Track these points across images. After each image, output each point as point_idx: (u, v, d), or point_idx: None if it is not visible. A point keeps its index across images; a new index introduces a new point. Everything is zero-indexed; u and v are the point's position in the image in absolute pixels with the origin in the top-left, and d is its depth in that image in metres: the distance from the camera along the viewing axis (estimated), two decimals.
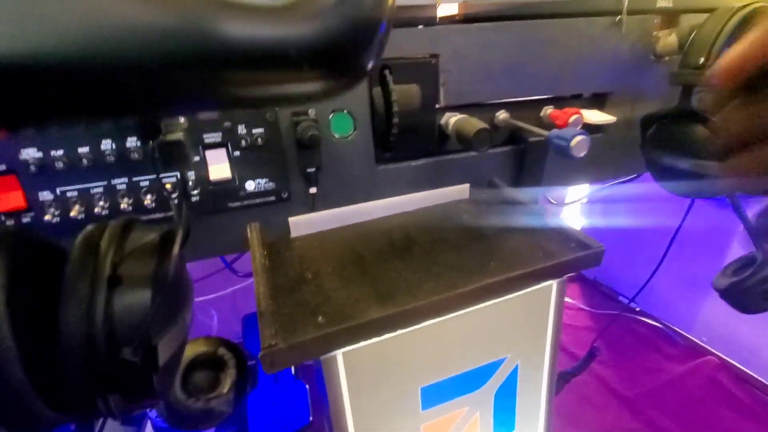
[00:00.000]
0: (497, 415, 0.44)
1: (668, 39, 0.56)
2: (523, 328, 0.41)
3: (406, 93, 0.48)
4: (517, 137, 0.57)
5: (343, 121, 0.48)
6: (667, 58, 0.60)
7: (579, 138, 0.42)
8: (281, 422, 0.72)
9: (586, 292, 1.34)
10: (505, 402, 0.44)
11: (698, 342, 1.02)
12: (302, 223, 0.49)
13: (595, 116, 0.57)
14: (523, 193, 0.52)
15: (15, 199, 0.39)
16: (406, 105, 0.49)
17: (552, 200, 1.12)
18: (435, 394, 0.39)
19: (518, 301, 0.39)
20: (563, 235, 0.43)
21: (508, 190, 0.53)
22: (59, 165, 0.39)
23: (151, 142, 0.23)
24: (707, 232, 0.72)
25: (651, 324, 1.13)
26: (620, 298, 1.27)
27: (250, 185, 0.46)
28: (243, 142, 0.44)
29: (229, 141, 0.44)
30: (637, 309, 1.20)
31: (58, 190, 0.40)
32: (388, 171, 0.52)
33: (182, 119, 0.25)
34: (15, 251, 0.21)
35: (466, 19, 0.49)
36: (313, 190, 0.48)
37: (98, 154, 0.40)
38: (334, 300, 0.36)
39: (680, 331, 1.06)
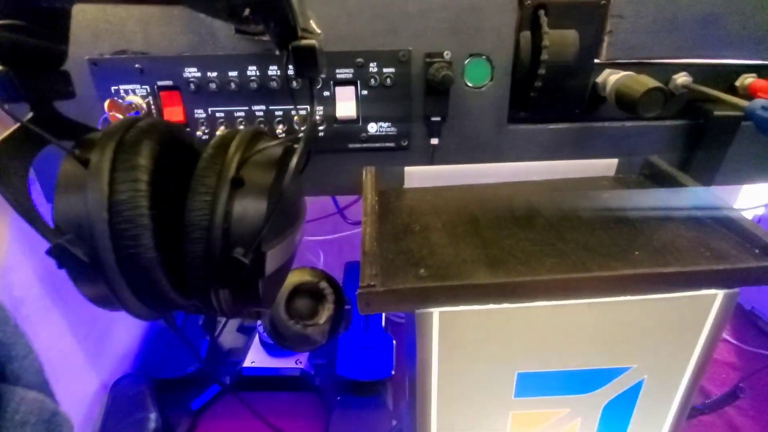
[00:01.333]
0: (602, 429, 0.38)
1: None
2: (662, 339, 0.33)
3: (560, 40, 0.41)
4: (697, 110, 0.45)
5: (479, 68, 0.43)
6: None
7: None
8: (365, 368, 0.74)
9: (737, 323, 1.09)
10: (617, 417, 0.37)
11: None
12: (418, 175, 0.46)
13: None
14: (688, 179, 0.41)
15: (177, 113, 0.44)
16: (558, 55, 0.42)
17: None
18: (533, 385, 0.35)
19: (665, 306, 0.31)
20: (742, 234, 0.33)
21: (669, 171, 0.43)
22: (212, 86, 0.43)
23: (288, 46, 0.22)
24: None
25: None
26: None
27: (372, 127, 0.45)
28: (372, 81, 0.43)
29: (359, 79, 0.43)
30: None
31: (209, 110, 0.44)
32: (521, 132, 0.46)
33: (318, 29, 0.24)
34: (162, 140, 0.23)
35: None
36: (434, 141, 0.45)
37: (244, 79, 0.42)
38: (440, 256, 0.33)
39: None
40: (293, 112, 0.44)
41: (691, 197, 0.39)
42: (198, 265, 0.21)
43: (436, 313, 0.31)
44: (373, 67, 0.42)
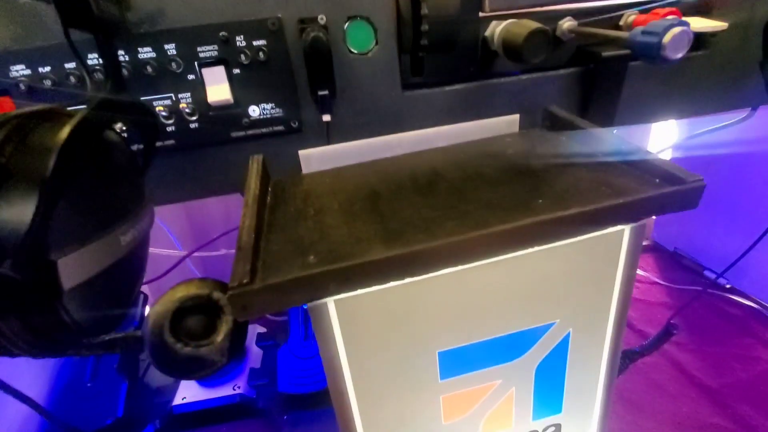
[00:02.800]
0: (539, 394, 0.35)
1: None
2: (579, 286, 0.31)
3: None
4: (586, 54, 0.45)
5: (361, 31, 0.39)
6: None
7: (676, 30, 0.30)
8: (309, 380, 0.69)
9: (662, 265, 1.15)
10: (551, 378, 0.35)
11: None
12: (315, 158, 0.42)
13: (697, 23, 0.43)
14: (587, 124, 0.40)
15: None
16: (439, 8, 0.39)
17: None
18: (458, 362, 0.31)
19: (574, 251, 0.29)
20: (643, 167, 0.32)
21: (569, 118, 0.42)
22: (47, 83, 0.36)
23: None
24: None
25: (744, 303, 0.94)
26: (706, 272, 1.08)
27: (254, 111, 0.40)
28: (243, 57, 0.38)
29: (228, 56, 0.38)
30: (728, 286, 1.01)
31: None
32: (418, 98, 0.43)
33: None
34: None
35: None
36: (326, 117, 0.41)
37: (85, 69, 0.35)
38: (332, 237, 0.29)
39: None
40: (156, 102, 0.38)
41: (591, 140, 0.37)
42: None
43: (331, 303, 0.27)
44: (240, 41, 0.37)
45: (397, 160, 0.42)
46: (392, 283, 0.27)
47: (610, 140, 0.36)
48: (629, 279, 0.32)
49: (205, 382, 0.71)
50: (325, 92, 0.40)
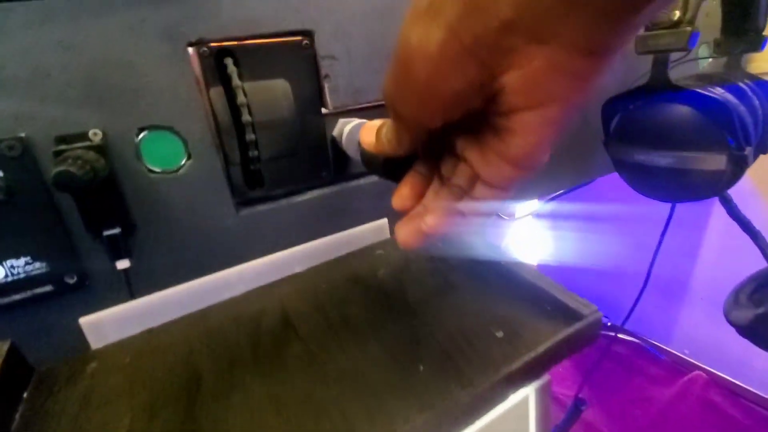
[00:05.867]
0: None
1: None
2: None
3: (264, 93, 0.31)
4: None
5: (164, 144, 0.29)
6: None
7: None
8: None
9: None
10: None
11: (681, 356, 0.91)
12: (109, 323, 0.29)
13: None
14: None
15: None
16: (267, 112, 0.31)
17: (502, 215, 0.98)
18: None
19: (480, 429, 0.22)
20: (530, 291, 0.27)
21: None
22: None
23: None
24: (672, 228, 0.61)
25: (628, 340, 1.01)
26: None
27: None
28: None
29: None
30: (609, 324, 1.09)
31: None
32: (259, 215, 0.34)
33: None
34: None
35: None
36: (122, 264, 0.29)
37: None
38: None
39: (659, 344, 0.95)
40: None
41: (468, 251, 0.32)
42: None
43: None
44: None
45: (235, 305, 0.31)
46: None
47: (488, 252, 0.31)
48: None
49: None
50: (116, 231, 0.28)
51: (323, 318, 0.27)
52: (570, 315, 0.24)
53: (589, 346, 0.24)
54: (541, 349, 0.22)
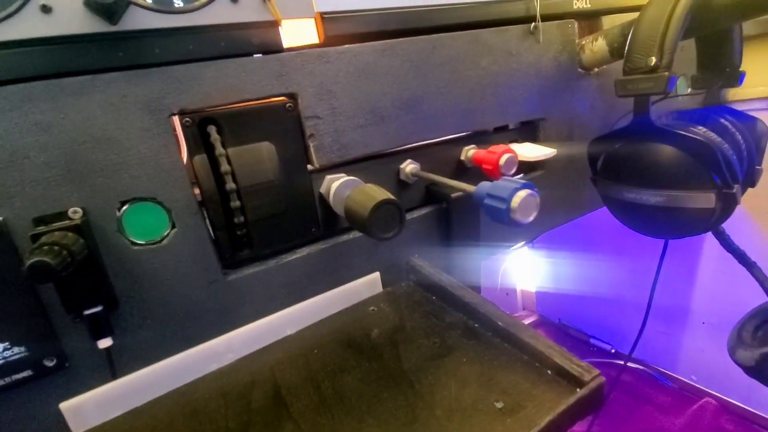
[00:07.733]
0: None
1: (595, 45, 0.45)
2: None
3: (249, 157, 0.31)
4: (436, 195, 0.41)
5: (147, 216, 0.29)
6: (596, 70, 0.49)
7: (523, 194, 0.26)
8: None
9: (551, 338, 1.18)
10: None
11: (689, 382, 0.89)
12: (91, 407, 0.27)
13: (530, 151, 0.43)
14: (454, 283, 0.35)
15: None
16: (252, 176, 0.31)
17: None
18: None
19: None
20: (531, 353, 0.26)
21: (433, 274, 0.36)
22: None
23: None
24: (668, 253, 0.61)
25: (633, 368, 0.99)
26: (592, 340, 1.13)
27: None
28: None
29: None
30: (612, 351, 1.07)
31: None
32: (248, 278, 0.33)
33: None
34: None
35: (331, 41, 0.34)
36: (104, 343, 0.28)
37: None
38: None
39: (666, 371, 0.93)
40: None
41: (465, 308, 0.31)
42: None
43: None
44: None
45: (224, 376, 0.30)
46: None
47: (484, 309, 0.30)
48: None
49: None
50: (97, 309, 0.27)
51: (316, 392, 0.26)
52: (572, 381, 0.23)
53: (592, 413, 0.22)
54: (543, 423, 0.21)
